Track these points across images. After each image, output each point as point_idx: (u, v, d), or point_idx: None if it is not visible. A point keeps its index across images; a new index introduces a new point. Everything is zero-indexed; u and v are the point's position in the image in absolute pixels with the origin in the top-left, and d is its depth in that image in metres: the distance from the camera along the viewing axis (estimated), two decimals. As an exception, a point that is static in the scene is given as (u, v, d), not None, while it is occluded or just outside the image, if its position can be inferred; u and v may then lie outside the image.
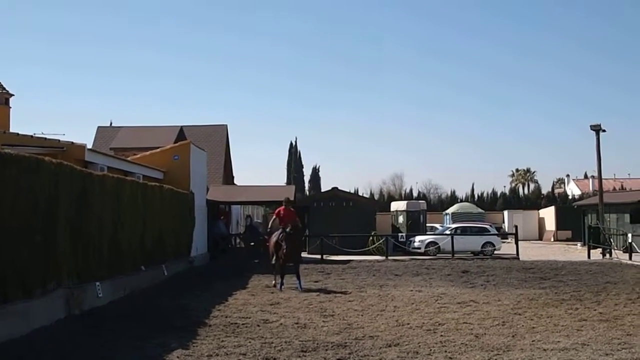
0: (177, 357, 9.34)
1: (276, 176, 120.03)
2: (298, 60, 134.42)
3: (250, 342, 10.46)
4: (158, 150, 26.35)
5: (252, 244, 32.35)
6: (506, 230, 52.49)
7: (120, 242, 16.54)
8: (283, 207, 19.90)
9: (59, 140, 17.61)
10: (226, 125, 45.24)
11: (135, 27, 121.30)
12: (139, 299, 15.81)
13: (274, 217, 20.50)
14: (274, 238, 19.78)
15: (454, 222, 47.00)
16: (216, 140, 43.05)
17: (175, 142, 29.96)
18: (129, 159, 23.45)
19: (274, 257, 19.42)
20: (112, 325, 11.87)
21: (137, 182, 19.35)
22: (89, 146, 19.29)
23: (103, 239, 15.20)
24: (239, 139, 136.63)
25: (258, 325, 12.11)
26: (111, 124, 48.58)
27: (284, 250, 18.79)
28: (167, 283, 19.55)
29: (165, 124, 40.25)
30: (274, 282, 19.10)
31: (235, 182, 47.58)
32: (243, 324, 12.20)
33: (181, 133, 36.54)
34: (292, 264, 19.00)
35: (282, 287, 18.49)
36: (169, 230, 21.77)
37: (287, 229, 18.91)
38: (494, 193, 69.72)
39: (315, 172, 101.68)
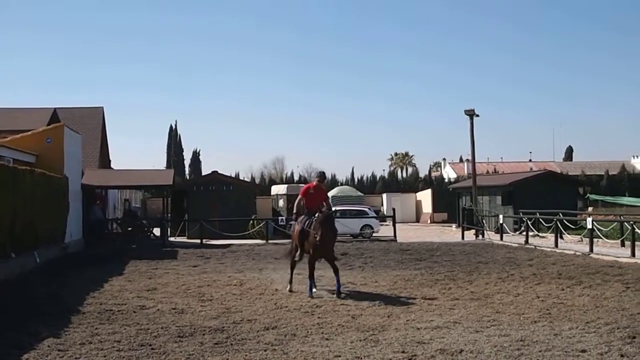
0: (48, 346, 9.02)
1: (156, 160, 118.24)
2: (180, 44, 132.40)
3: (125, 328, 10.26)
4: (30, 132, 25.33)
5: (130, 229, 31.84)
6: (384, 212, 53.63)
7: (-12, 228, 15.84)
8: (314, 183, 15.37)
9: None
10: (102, 107, 44.00)
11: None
12: (8, 286, 15.13)
13: (300, 197, 15.25)
14: (298, 226, 14.93)
15: (333, 205, 47.41)
16: (92, 123, 41.77)
17: (48, 125, 28.98)
18: (-3, 141, 22.43)
19: (298, 252, 15.06)
20: (-22, 315, 11.36)
21: (7, 165, 18.57)
22: (-47, 128, 18.36)
23: (-31, 225, 14.51)
24: (117, 123, 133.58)
25: (134, 312, 11.89)
26: (-21, 105, 46.38)
27: (317, 239, 13.85)
28: (39, 270, 18.82)
29: (37, 106, 38.78)
30: (301, 285, 14.76)
31: (112, 166, 46.47)
32: (118, 311, 11.95)
33: (55, 115, 35.23)
34: (324, 258, 14.58)
35: (313, 291, 14.16)
36: (41, 215, 20.98)
37: (323, 208, 14.33)
38: (374, 177, 70.90)
39: (196, 156, 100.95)
